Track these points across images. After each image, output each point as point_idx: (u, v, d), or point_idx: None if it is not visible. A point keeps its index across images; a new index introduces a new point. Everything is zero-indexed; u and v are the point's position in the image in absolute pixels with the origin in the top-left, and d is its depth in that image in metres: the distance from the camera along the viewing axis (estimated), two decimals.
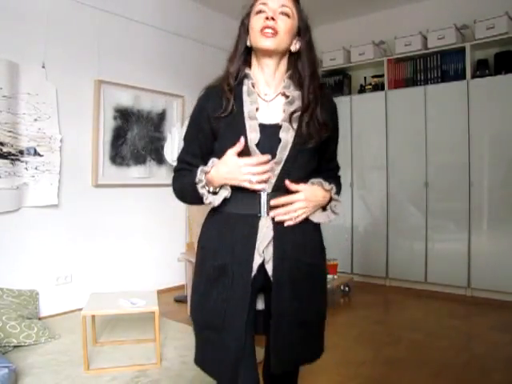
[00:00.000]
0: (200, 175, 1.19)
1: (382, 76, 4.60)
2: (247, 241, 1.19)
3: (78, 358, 2.50)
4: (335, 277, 4.06)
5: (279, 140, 1.18)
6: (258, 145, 1.18)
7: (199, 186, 1.19)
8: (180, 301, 3.87)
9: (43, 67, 3.31)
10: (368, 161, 4.67)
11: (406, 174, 4.40)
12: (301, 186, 1.19)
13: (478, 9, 4.11)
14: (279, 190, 1.19)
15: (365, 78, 4.83)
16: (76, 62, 3.54)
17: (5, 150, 3.06)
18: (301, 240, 1.23)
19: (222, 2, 4.59)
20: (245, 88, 1.24)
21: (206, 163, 1.22)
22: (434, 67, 4.27)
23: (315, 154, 1.25)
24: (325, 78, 4.99)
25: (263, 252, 1.20)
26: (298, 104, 1.22)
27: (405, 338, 2.97)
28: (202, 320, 1.24)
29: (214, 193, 1.21)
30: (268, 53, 1.21)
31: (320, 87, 1.26)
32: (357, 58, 4.72)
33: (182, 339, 2.91)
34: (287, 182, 1.18)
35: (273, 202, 1.19)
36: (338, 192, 1.32)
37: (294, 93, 1.24)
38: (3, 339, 2.62)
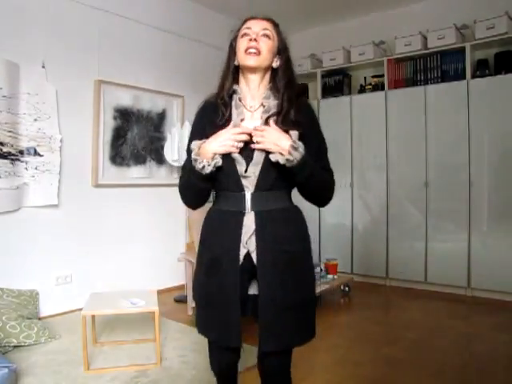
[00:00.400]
0: (193, 145, 1.38)
1: (382, 76, 4.60)
2: (233, 234, 1.39)
3: (78, 358, 2.50)
4: (335, 277, 4.06)
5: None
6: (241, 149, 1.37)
7: (193, 154, 1.36)
8: (180, 301, 3.87)
9: (43, 67, 3.31)
10: (368, 161, 4.67)
11: (406, 174, 4.40)
12: (273, 126, 1.35)
13: (478, 9, 4.11)
14: (260, 189, 1.38)
15: (365, 78, 4.83)
16: (76, 62, 3.54)
17: (5, 150, 3.07)
18: (281, 231, 1.40)
19: (221, 2, 4.59)
20: (233, 102, 1.44)
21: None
22: (434, 67, 4.27)
23: None
24: (325, 78, 5.00)
25: (247, 243, 1.39)
26: (274, 110, 1.41)
27: (405, 338, 2.97)
28: (204, 300, 1.45)
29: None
30: (252, 69, 1.41)
31: (297, 95, 1.45)
32: (357, 58, 4.72)
33: (181, 339, 2.91)
34: (271, 121, 1.36)
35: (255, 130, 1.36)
36: (329, 190, 1.47)
37: (272, 102, 1.42)
38: (3, 339, 2.62)
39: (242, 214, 1.39)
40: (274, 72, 1.45)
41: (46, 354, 2.62)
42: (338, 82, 4.94)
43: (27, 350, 2.68)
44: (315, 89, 5.11)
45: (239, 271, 1.37)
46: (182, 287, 4.10)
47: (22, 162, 3.18)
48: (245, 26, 1.42)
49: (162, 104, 4.23)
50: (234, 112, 1.42)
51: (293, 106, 1.40)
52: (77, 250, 3.55)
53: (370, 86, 4.71)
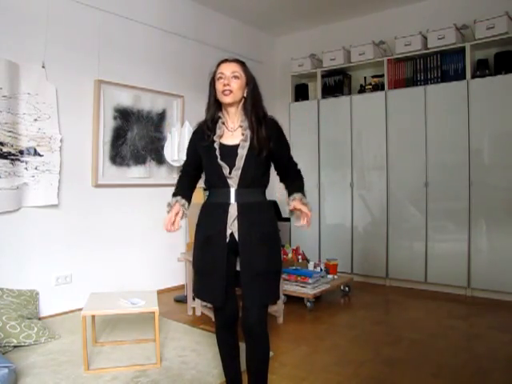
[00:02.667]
0: (172, 200, 1.94)
1: (382, 76, 4.60)
2: (222, 219, 1.84)
3: (78, 357, 2.51)
4: (335, 277, 4.06)
5: (237, 154, 1.81)
6: (223, 158, 1.82)
7: (172, 200, 1.94)
8: (180, 301, 3.86)
9: (43, 67, 3.31)
10: (368, 161, 4.67)
11: (406, 174, 4.40)
12: (303, 207, 1.78)
13: (478, 9, 4.12)
14: (241, 187, 1.83)
15: (365, 77, 4.83)
16: (76, 62, 3.54)
17: (5, 150, 3.06)
18: (256, 217, 1.85)
19: (221, 2, 4.59)
20: (218, 125, 1.89)
21: (196, 171, 2.01)
22: (434, 67, 4.27)
23: (265, 161, 1.85)
24: (325, 78, 5.00)
25: (231, 225, 1.84)
26: (248, 130, 1.85)
27: (405, 338, 2.97)
28: (201, 269, 1.90)
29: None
30: (229, 104, 1.85)
31: (264, 116, 1.87)
32: (357, 58, 4.72)
33: (181, 339, 2.91)
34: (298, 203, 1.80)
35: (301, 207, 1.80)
36: (302, 186, 1.91)
37: (247, 124, 1.86)
38: (3, 339, 2.62)
39: (228, 204, 1.84)
40: (245, 99, 1.87)
41: (46, 354, 2.62)
42: (337, 82, 4.94)
43: (27, 349, 2.68)
44: (315, 89, 5.11)
45: (226, 246, 1.83)
46: (181, 287, 4.10)
47: (22, 161, 3.18)
48: (219, 70, 1.84)
49: (162, 104, 4.22)
50: (218, 132, 1.87)
51: (262, 125, 1.82)
52: (77, 250, 3.55)
53: (370, 86, 4.71)
